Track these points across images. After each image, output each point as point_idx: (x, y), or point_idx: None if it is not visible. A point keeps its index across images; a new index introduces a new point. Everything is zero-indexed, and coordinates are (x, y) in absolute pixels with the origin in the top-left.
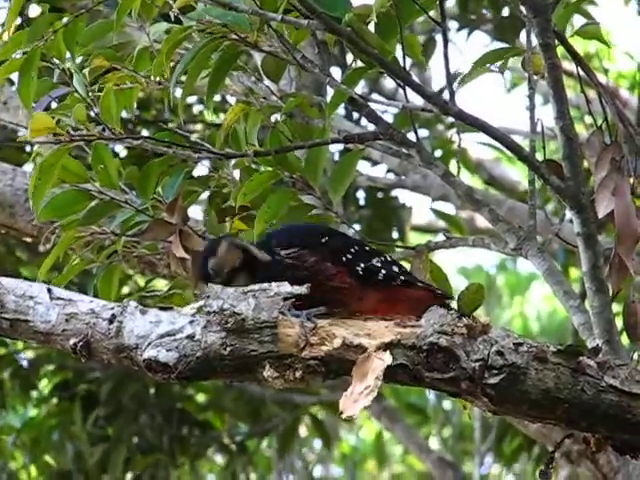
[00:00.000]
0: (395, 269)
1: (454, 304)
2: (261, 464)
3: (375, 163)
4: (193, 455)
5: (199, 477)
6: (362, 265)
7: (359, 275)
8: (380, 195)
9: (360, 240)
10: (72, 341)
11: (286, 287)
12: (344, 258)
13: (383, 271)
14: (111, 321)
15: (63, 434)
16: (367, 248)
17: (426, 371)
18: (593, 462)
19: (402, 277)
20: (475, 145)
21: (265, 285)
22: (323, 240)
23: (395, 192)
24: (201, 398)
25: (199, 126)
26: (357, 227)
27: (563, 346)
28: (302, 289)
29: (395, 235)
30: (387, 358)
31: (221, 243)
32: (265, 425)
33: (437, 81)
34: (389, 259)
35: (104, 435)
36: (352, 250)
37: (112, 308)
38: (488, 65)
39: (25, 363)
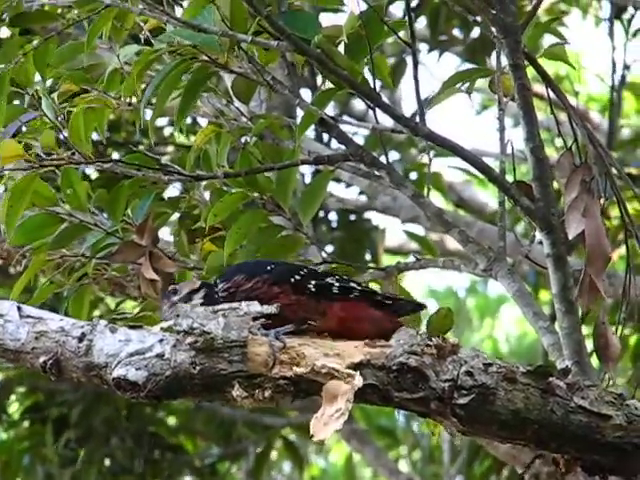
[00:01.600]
0: (352, 284)
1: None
2: None
3: (348, 185)
4: (166, 478)
5: None
6: (313, 282)
7: (311, 291)
8: (353, 217)
9: (311, 267)
10: (42, 359)
11: (256, 306)
12: (292, 279)
13: (337, 284)
14: (81, 339)
15: (34, 457)
16: (319, 271)
17: (395, 391)
18: None
19: (359, 288)
20: (446, 168)
21: (235, 304)
22: (268, 268)
23: (368, 214)
24: (172, 421)
25: (170, 148)
26: (330, 249)
27: (533, 367)
28: (272, 308)
29: (368, 257)
30: (358, 380)
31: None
32: (236, 447)
33: (408, 103)
34: (345, 278)
35: (75, 457)
36: (301, 272)
37: (82, 327)
38: (458, 86)
39: None
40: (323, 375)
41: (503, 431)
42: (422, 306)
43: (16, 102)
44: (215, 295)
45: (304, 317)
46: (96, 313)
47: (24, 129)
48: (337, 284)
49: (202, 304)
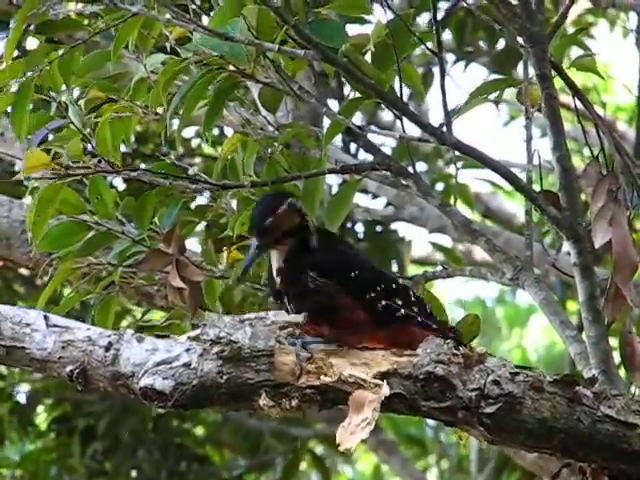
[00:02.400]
0: (415, 309)
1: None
2: None
3: (375, 196)
4: None
5: None
6: (383, 302)
7: (378, 312)
8: (379, 228)
9: (388, 276)
10: (68, 368)
11: (283, 316)
12: (367, 295)
13: (402, 310)
14: (107, 349)
15: (61, 468)
16: (395, 285)
17: (422, 400)
18: None
19: (419, 319)
20: (473, 180)
21: (262, 314)
22: (353, 274)
23: (394, 226)
24: (199, 432)
25: (197, 159)
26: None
27: (559, 376)
28: (299, 318)
29: (394, 268)
30: (384, 390)
31: (283, 203)
32: (263, 458)
33: (435, 114)
34: (413, 298)
35: (102, 469)
36: (378, 288)
37: (109, 336)
38: (485, 96)
39: (23, 398)
40: (350, 384)
41: (530, 440)
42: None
43: (43, 111)
44: (301, 277)
45: (357, 336)
46: (123, 324)
47: (51, 137)
48: (402, 311)
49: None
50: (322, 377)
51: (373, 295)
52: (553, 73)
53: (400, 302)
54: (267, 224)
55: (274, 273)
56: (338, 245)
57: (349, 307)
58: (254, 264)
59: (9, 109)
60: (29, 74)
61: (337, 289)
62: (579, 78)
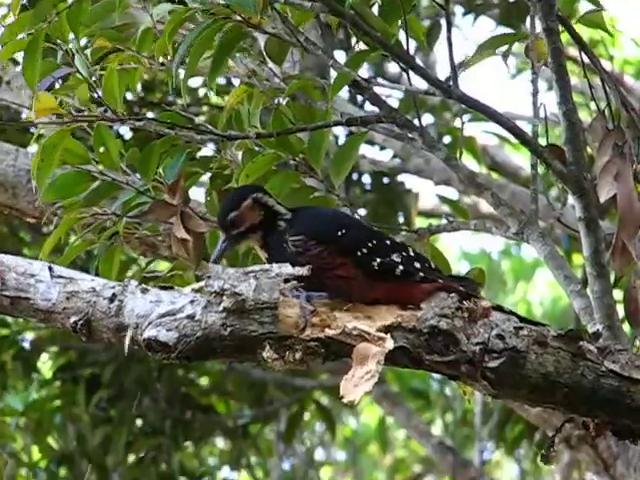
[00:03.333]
0: (417, 265)
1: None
2: (262, 448)
3: (382, 148)
4: (197, 439)
5: (201, 460)
6: (378, 260)
7: (374, 270)
8: (386, 180)
9: (383, 233)
10: (72, 319)
11: (287, 268)
12: (358, 252)
13: (401, 267)
14: (112, 300)
15: (65, 416)
16: (388, 242)
17: (426, 354)
18: (593, 447)
19: (421, 274)
20: (479, 133)
21: (266, 266)
22: (339, 233)
23: (401, 177)
24: (204, 382)
25: (204, 109)
26: (362, 212)
27: (564, 330)
28: (303, 270)
29: (401, 220)
30: (389, 343)
31: (247, 197)
32: (267, 409)
33: (442, 67)
34: (412, 254)
35: (106, 417)
36: (369, 244)
37: (113, 287)
38: (492, 50)
39: (27, 345)
40: (354, 337)
41: (533, 394)
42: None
43: (50, 59)
44: (284, 245)
45: (355, 293)
46: (128, 274)
47: (57, 86)
48: (401, 267)
49: (270, 239)
50: (326, 330)
51: (365, 252)
52: (560, 27)
53: (398, 259)
54: (230, 218)
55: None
56: (320, 211)
57: (338, 263)
58: (224, 255)
59: (17, 58)
60: (39, 24)
61: (320, 248)
62: (586, 32)
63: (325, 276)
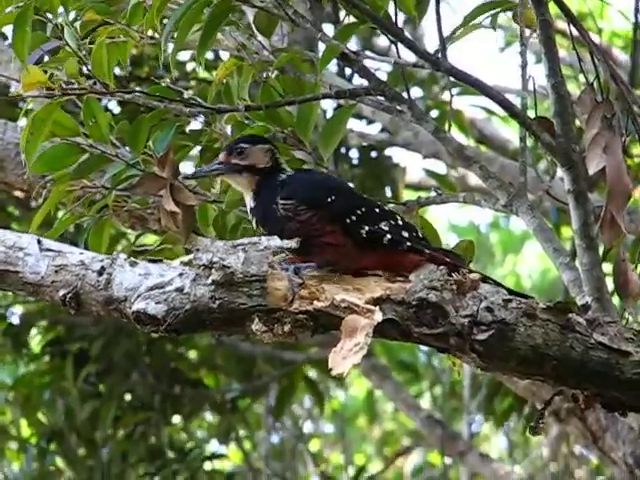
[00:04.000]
0: (404, 234)
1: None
2: (251, 421)
3: (370, 122)
4: (186, 413)
5: (190, 434)
6: (367, 228)
7: (362, 237)
8: (374, 154)
9: (372, 201)
10: (61, 292)
11: (276, 241)
12: (347, 219)
13: (389, 235)
14: (100, 273)
15: (54, 391)
16: (377, 210)
17: (415, 326)
18: (582, 420)
19: (409, 243)
20: (468, 106)
21: (255, 239)
22: (329, 199)
23: (388, 151)
24: (193, 356)
25: (193, 83)
26: (351, 185)
27: (552, 303)
28: (292, 243)
29: (388, 194)
30: (377, 315)
31: (266, 144)
32: (256, 383)
33: (430, 40)
34: (400, 223)
35: (95, 392)
36: (358, 212)
37: (102, 260)
38: (480, 20)
39: (16, 319)
40: (342, 309)
41: (522, 366)
42: (462, 264)
43: (39, 32)
44: (271, 207)
45: (343, 261)
46: (118, 248)
47: (47, 59)
48: (388, 236)
49: (264, 190)
50: (314, 302)
51: (354, 219)
52: None
53: (386, 227)
54: (240, 147)
55: (249, 216)
56: (313, 175)
57: (326, 231)
58: (207, 177)
59: (6, 32)
60: None
61: (310, 214)
62: (574, 4)
63: (313, 243)
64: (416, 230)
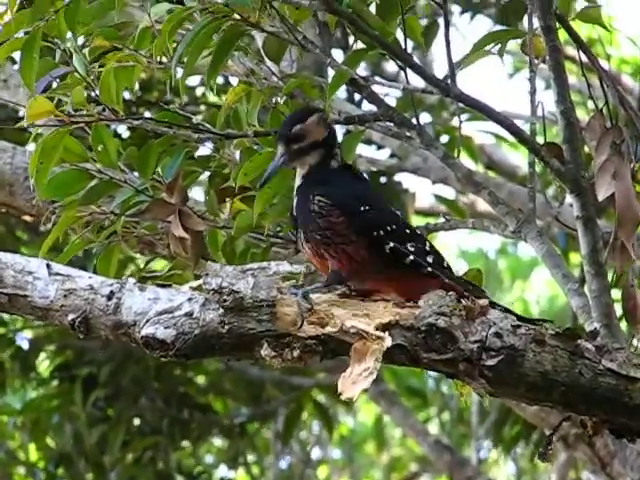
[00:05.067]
0: (428, 259)
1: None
2: (259, 446)
3: (379, 147)
4: (194, 438)
5: (198, 459)
6: (391, 244)
7: (385, 253)
8: (383, 180)
9: (406, 222)
10: (70, 317)
11: (285, 266)
12: (375, 233)
13: (412, 257)
14: (110, 297)
15: (63, 415)
16: (408, 230)
17: (424, 352)
18: (590, 446)
19: (430, 268)
20: (477, 132)
21: (264, 264)
22: (362, 208)
23: (398, 177)
24: (201, 381)
25: (202, 108)
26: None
27: (561, 329)
28: (301, 268)
29: None
30: (387, 340)
31: (314, 114)
32: (265, 408)
33: (439, 66)
34: (428, 248)
35: (104, 416)
36: (388, 228)
37: (111, 284)
38: (489, 48)
39: (25, 344)
40: (351, 335)
41: (531, 393)
42: (481, 295)
43: (47, 58)
44: (310, 198)
45: (355, 277)
46: (126, 274)
47: (55, 85)
48: (411, 257)
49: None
50: (324, 328)
51: (381, 234)
52: (558, 25)
53: (412, 249)
54: (295, 132)
55: (294, 192)
56: (356, 180)
57: (351, 240)
58: (275, 175)
59: (14, 57)
60: (37, 23)
61: (341, 219)
62: (584, 31)
63: (334, 247)
64: (443, 258)
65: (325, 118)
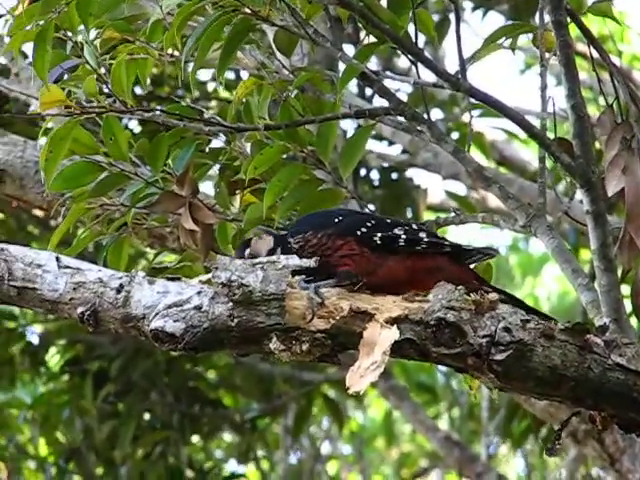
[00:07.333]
0: (421, 235)
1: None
2: (269, 441)
3: (390, 143)
4: (205, 433)
5: (209, 454)
6: (379, 234)
7: (377, 244)
8: (394, 176)
9: (381, 216)
10: (79, 310)
11: (294, 260)
12: (358, 232)
13: (404, 236)
14: (119, 291)
15: (73, 410)
16: (388, 221)
17: (433, 346)
18: (599, 442)
19: (426, 238)
20: (488, 128)
21: (273, 257)
22: (336, 220)
23: (409, 173)
24: (212, 375)
25: (213, 103)
26: (371, 207)
27: (571, 324)
28: (310, 262)
29: (409, 215)
30: (394, 333)
31: (252, 238)
32: (275, 403)
33: (450, 62)
34: (415, 227)
35: (114, 411)
36: (368, 224)
37: (120, 278)
38: (500, 42)
39: (35, 338)
40: (361, 316)
41: (539, 387)
42: (494, 251)
43: (59, 50)
44: (290, 250)
45: (365, 269)
46: (137, 267)
47: (66, 77)
48: (404, 236)
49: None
50: (332, 320)
51: (364, 230)
52: (569, 20)
53: (400, 232)
54: (247, 255)
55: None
56: (317, 211)
57: (339, 246)
58: None
59: (26, 51)
60: (49, 15)
61: (319, 235)
62: (595, 26)
63: (330, 264)
64: (435, 233)
65: (263, 232)
